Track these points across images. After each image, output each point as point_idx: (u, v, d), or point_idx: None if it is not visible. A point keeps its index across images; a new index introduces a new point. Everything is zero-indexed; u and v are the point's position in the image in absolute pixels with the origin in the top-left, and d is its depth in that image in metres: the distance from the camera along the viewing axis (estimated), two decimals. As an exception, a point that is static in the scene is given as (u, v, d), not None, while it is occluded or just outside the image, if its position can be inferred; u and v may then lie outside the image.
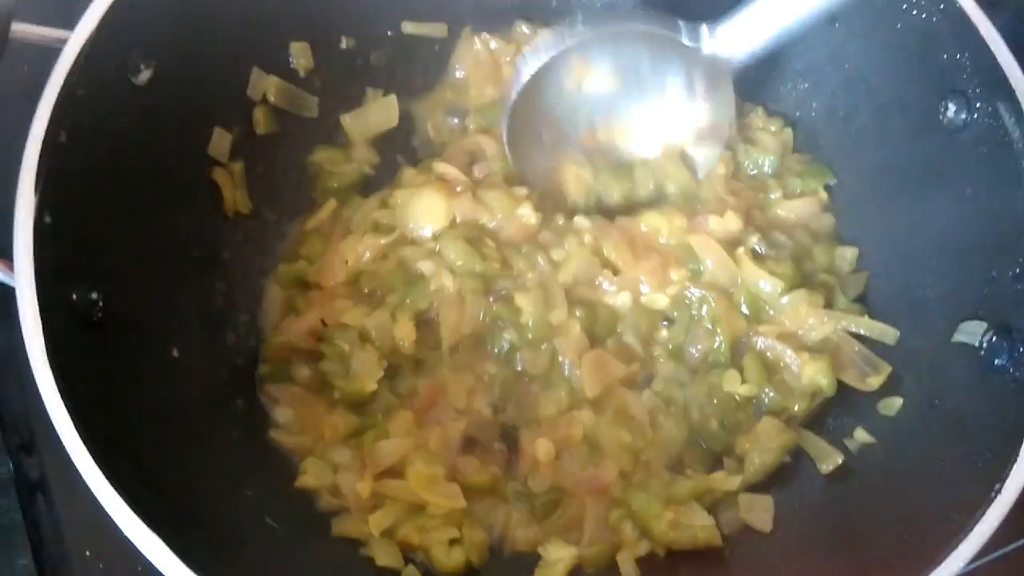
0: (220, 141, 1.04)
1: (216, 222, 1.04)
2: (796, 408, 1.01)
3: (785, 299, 1.04)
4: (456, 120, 1.17)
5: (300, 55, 1.10)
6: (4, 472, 0.99)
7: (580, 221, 1.07)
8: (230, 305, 1.03)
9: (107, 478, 0.70)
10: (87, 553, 0.94)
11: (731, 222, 1.06)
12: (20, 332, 0.74)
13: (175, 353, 0.92)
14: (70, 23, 0.84)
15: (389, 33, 1.16)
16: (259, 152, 1.08)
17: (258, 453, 0.96)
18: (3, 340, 1.02)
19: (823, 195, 1.13)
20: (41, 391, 0.72)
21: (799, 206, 1.12)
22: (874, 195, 1.09)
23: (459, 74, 1.18)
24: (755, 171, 1.14)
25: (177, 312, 0.95)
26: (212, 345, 0.99)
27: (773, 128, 1.17)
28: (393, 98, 1.15)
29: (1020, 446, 0.77)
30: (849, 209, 1.12)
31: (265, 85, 1.08)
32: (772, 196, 1.12)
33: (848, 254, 1.10)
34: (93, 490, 0.70)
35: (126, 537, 0.89)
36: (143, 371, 0.86)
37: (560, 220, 1.08)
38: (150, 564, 0.89)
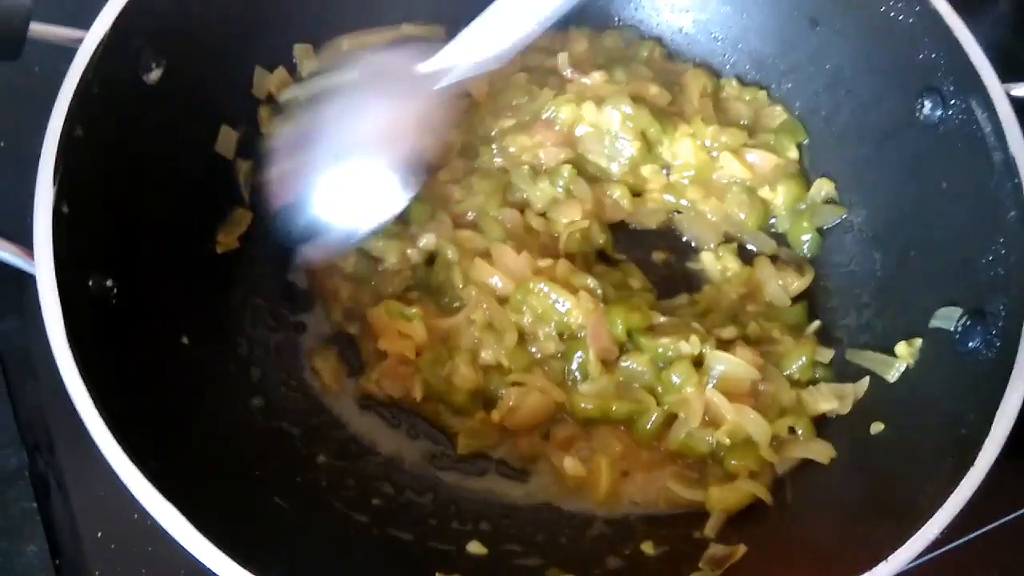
0: (226, 138, 1.07)
1: (223, 216, 1.07)
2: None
3: None
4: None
5: (303, 56, 1.13)
6: (15, 462, 1.01)
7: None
8: (236, 297, 1.06)
9: (124, 452, 0.73)
10: (99, 535, 0.97)
11: None
12: (34, 327, 0.78)
13: (184, 340, 0.95)
14: (85, 23, 0.87)
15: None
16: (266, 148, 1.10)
17: (266, 437, 0.98)
18: (18, 335, 1.06)
19: (794, 154, 1.17)
20: (60, 369, 0.75)
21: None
22: (855, 191, 1.13)
23: None
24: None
25: (186, 302, 0.98)
26: (219, 335, 1.01)
27: (747, 97, 1.21)
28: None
29: (992, 422, 0.81)
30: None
31: (269, 85, 1.11)
32: None
33: None
34: (111, 463, 0.73)
35: (138, 519, 0.94)
36: (155, 357, 0.89)
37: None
38: (161, 544, 0.93)
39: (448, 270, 1.06)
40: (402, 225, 1.09)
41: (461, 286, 1.05)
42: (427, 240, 1.07)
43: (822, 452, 0.98)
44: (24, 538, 0.97)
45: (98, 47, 0.86)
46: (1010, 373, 0.83)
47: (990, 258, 0.92)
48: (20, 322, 1.06)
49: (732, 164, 1.14)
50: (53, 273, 0.78)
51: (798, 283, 1.10)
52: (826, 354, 1.05)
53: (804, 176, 1.17)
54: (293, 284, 1.10)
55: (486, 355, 1.02)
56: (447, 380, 1.02)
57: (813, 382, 1.04)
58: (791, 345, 1.05)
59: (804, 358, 1.03)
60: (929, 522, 0.77)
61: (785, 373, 1.03)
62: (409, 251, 1.08)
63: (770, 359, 1.03)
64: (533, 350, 1.04)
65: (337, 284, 1.08)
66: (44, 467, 1.01)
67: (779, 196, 1.15)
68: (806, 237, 1.14)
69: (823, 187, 1.14)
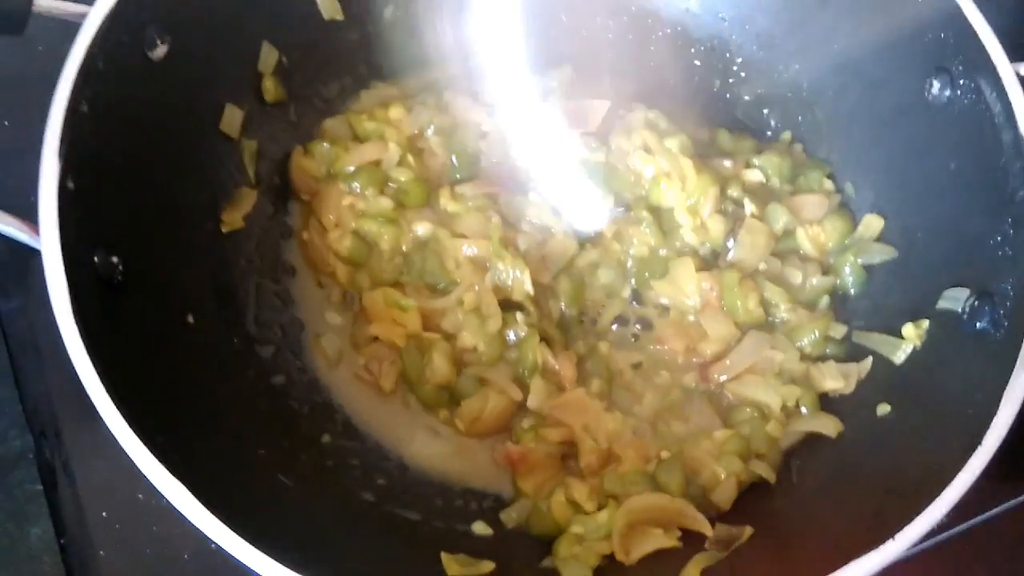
0: (231, 117, 1.06)
1: (228, 195, 1.07)
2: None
3: None
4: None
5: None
6: (20, 445, 1.01)
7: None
8: (244, 276, 1.05)
9: (131, 428, 0.72)
10: (104, 515, 0.97)
11: None
12: (39, 308, 0.78)
13: (190, 319, 0.95)
14: (89, -1, 0.87)
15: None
16: (270, 127, 1.12)
17: (270, 416, 0.98)
18: (22, 316, 1.06)
19: (828, 185, 1.16)
20: (66, 345, 0.75)
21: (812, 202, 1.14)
22: (863, 171, 1.13)
23: None
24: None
25: (191, 280, 0.98)
26: (224, 314, 1.01)
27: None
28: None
29: (999, 402, 0.81)
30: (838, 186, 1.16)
31: (274, 61, 1.10)
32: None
33: None
34: (118, 440, 0.73)
35: (142, 499, 0.95)
36: (161, 334, 0.89)
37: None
38: (165, 525, 0.94)
39: (438, 255, 1.06)
40: (399, 209, 1.09)
41: (452, 268, 1.05)
42: (422, 228, 1.07)
43: (829, 425, 0.99)
44: (29, 520, 0.98)
45: (103, 22, 0.85)
46: (1018, 353, 0.83)
47: (998, 238, 0.92)
48: (25, 303, 1.06)
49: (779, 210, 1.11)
50: (59, 248, 0.77)
51: (819, 280, 1.09)
52: (839, 329, 1.05)
53: (850, 210, 1.14)
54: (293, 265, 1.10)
55: (466, 337, 1.02)
56: (422, 371, 1.02)
57: (823, 359, 1.04)
58: (805, 318, 1.05)
59: (817, 332, 1.04)
60: (936, 501, 0.77)
61: (797, 345, 1.04)
62: (403, 238, 1.08)
63: (783, 330, 1.05)
64: (511, 336, 1.03)
65: (334, 266, 1.08)
66: (50, 449, 1.01)
67: (826, 233, 1.11)
68: (848, 270, 1.09)
69: (872, 224, 1.09)
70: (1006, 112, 0.91)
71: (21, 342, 1.05)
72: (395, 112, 1.13)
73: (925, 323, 0.98)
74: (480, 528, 0.96)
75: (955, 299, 0.95)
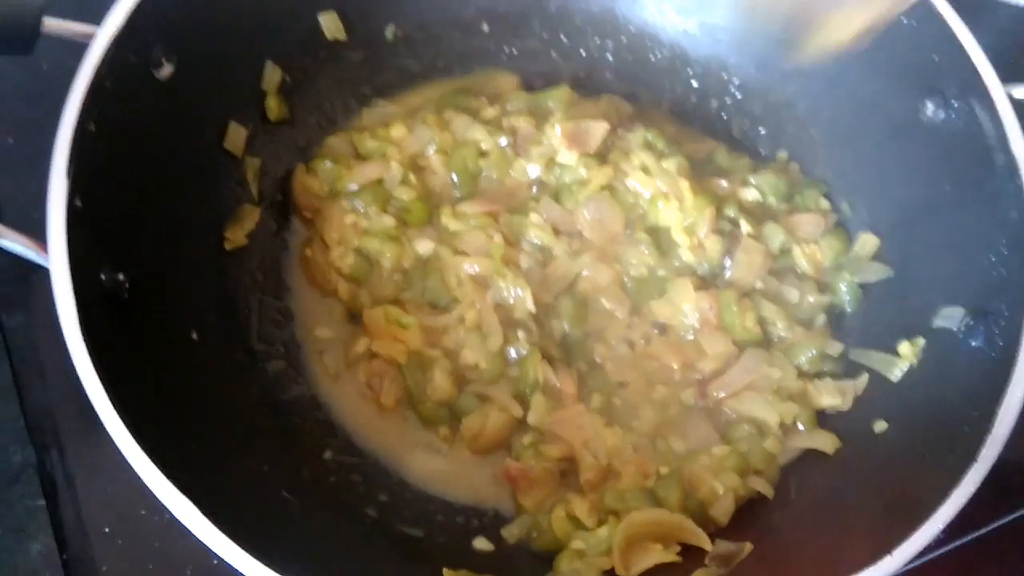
0: (235, 135, 1.08)
1: (232, 212, 1.08)
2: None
3: None
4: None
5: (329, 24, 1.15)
6: (21, 460, 1.01)
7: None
8: (247, 293, 1.07)
9: (139, 444, 0.73)
10: (106, 530, 0.97)
11: None
12: (42, 324, 0.78)
13: (195, 335, 0.96)
14: (97, 19, 0.88)
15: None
16: (273, 145, 1.13)
17: (273, 432, 0.99)
18: (25, 332, 1.06)
19: (824, 204, 1.17)
20: (73, 362, 0.75)
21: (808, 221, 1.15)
22: (859, 190, 1.14)
23: None
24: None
25: (196, 297, 0.99)
26: (228, 330, 1.02)
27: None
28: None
29: (994, 420, 0.82)
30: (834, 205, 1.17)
31: (278, 80, 1.12)
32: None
33: None
34: (125, 456, 0.73)
35: (145, 515, 0.95)
36: (166, 350, 0.90)
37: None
38: (168, 540, 0.95)
39: (440, 273, 1.07)
40: (401, 227, 1.10)
41: (454, 285, 1.06)
42: (423, 246, 1.08)
43: (827, 442, 1.00)
44: (30, 535, 0.98)
45: (111, 43, 0.87)
46: (1012, 371, 0.84)
47: (992, 258, 0.93)
48: (28, 319, 1.06)
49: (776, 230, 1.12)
50: (67, 265, 0.78)
51: (815, 299, 1.11)
52: (836, 347, 1.07)
53: (846, 229, 1.15)
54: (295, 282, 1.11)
55: (467, 354, 1.03)
56: (423, 388, 1.03)
57: (820, 376, 1.05)
58: (802, 336, 1.07)
59: (814, 349, 1.06)
60: (933, 517, 0.78)
61: (794, 362, 1.05)
62: (405, 256, 1.09)
63: (780, 348, 1.06)
64: (512, 353, 1.04)
65: (336, 283, 1.09)
66: (52, 464, 1.01)
67: (822, 252, 1.12)
68: (845, 288, 1.10)
69: (867, 243, 1.10)
70: (999, 134, 0.93)
71: (24, 357, 1.05)
72: (397, 131, 1.14)
73: (921, 341, 0.99)
74: (481, 544, 0.97)
75: (950, 318, 0.96)
